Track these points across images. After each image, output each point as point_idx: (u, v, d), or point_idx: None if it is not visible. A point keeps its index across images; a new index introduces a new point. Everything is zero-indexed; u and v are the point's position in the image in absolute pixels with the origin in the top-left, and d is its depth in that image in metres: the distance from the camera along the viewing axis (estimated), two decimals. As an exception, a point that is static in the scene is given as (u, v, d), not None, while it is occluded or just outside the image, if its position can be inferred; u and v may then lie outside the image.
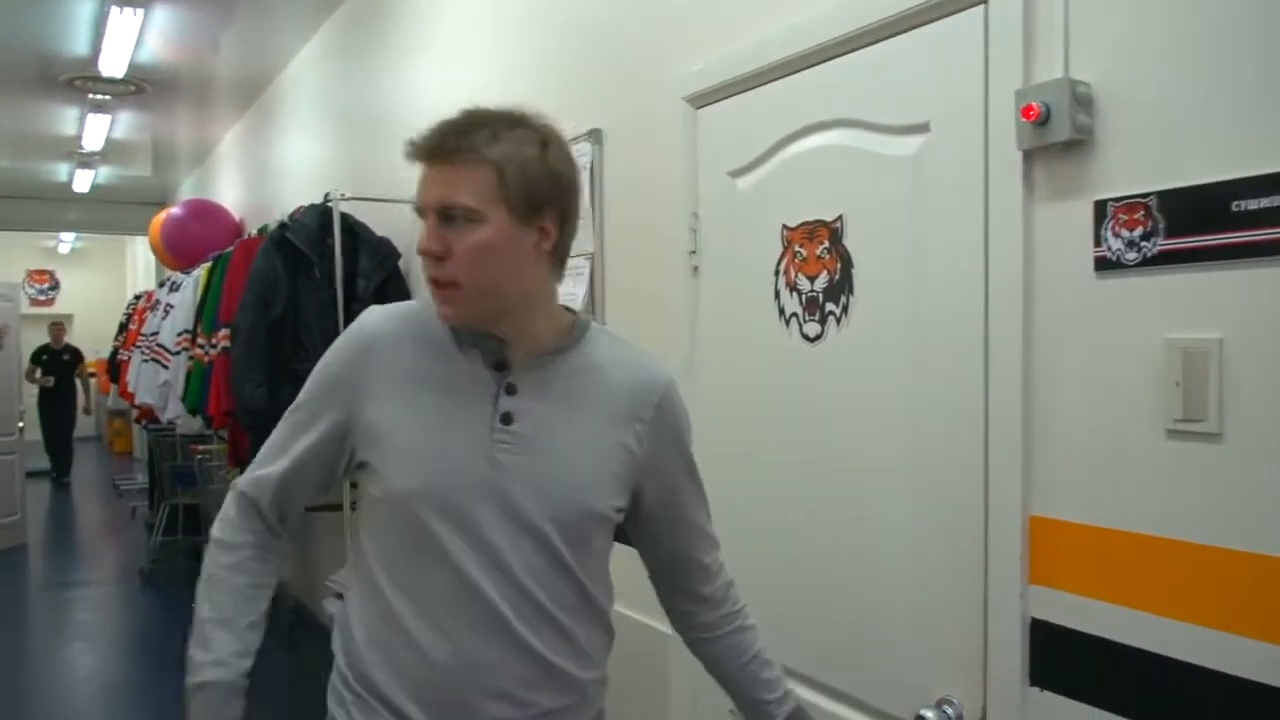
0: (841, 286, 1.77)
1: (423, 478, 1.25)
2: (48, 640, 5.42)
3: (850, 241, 1.76)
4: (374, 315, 1.35)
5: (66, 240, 14.02)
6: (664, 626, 2.25)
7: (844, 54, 1.76)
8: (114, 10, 4.65)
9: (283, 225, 3.84)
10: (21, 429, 7.86)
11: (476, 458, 1.25)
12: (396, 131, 4.24)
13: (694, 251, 2.14)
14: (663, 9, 2.27)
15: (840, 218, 1.77)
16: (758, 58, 1.93)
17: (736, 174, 2.02)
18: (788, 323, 1.90)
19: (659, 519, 1.39)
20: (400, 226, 3.73)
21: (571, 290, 2.59)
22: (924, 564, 1.63)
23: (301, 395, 1.36)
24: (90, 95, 6.39)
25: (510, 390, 1.27)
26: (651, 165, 2.31)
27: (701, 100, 2.11)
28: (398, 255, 3.77)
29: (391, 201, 3.74)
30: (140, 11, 4.72)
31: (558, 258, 1.28)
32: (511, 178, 1.19)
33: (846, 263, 1.76)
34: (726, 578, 1.46)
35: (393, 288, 3.75)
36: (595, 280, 2.52)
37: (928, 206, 1.60)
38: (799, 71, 1.86)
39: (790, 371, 1.89)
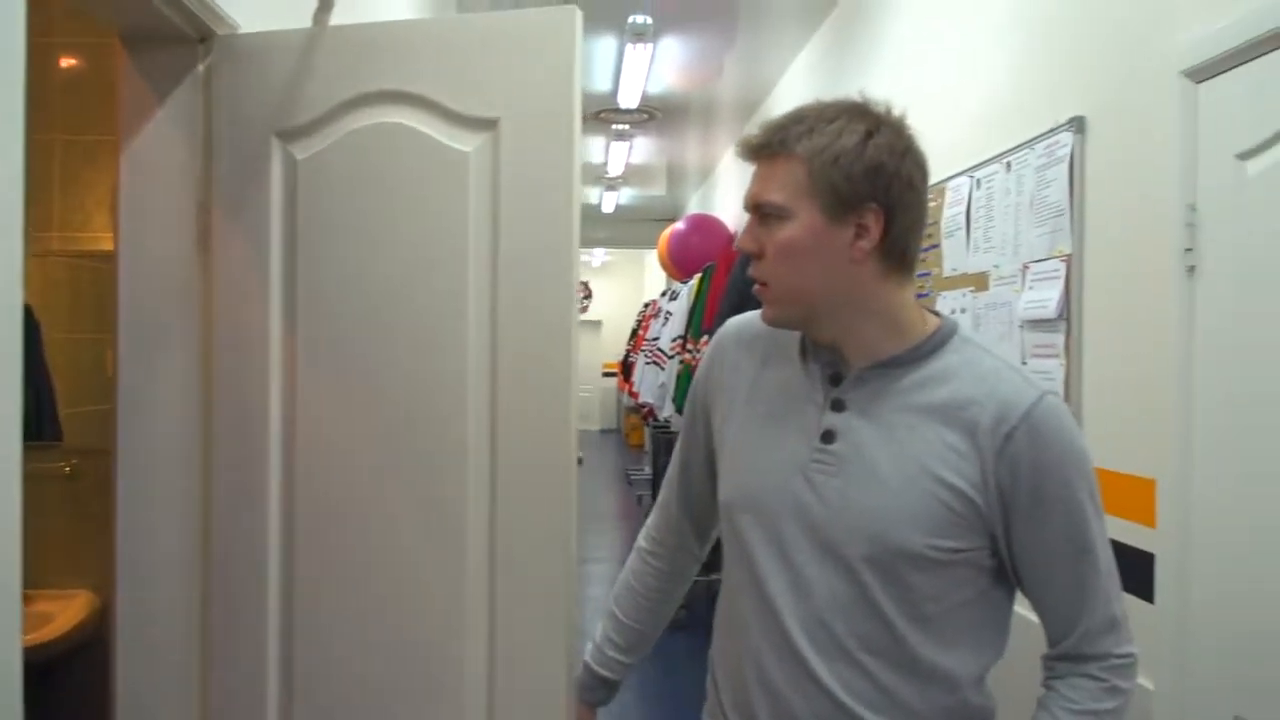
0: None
1: (739, 488, 1.21)
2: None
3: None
4: (730, 322, 1.32)
5: (598, 255, 15.54)
6: (1148, 682, 1.75)
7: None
8: (628, 47, 4.95)
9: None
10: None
11: (792, 474, 1.15)
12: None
13: (1190, 249, 1.73)
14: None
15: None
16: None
17: (1247, 156, 1.62)
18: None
19: (1026, 574, 1.13)
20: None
21: (1045, 296, 2.22)
22: None
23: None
24: (613, 126, 6.72)
25: (836, 406, 1.14)
26: (1139, 153, 1.94)
27: (1203, 73, 1.71)
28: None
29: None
30: (650, 45, 4.99)
31: (892, 257, 1.12)
32: (818, 172, 1.08)
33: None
34: (1098, 672, 1.11)
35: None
36: (1071, 283, 2.14)
37: None
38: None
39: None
